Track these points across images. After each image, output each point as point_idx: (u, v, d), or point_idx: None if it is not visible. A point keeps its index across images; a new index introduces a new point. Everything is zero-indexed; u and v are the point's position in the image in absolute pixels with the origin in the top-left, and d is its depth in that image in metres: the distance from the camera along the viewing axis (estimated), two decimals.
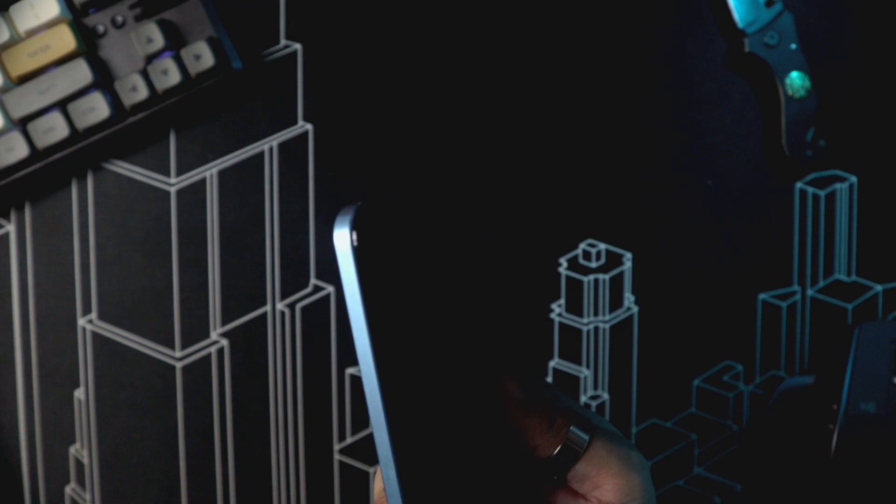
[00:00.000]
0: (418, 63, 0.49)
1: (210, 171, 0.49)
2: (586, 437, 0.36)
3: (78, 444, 0.50)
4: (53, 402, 0.49)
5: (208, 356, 0.49)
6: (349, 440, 0.50)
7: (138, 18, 0.47)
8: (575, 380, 0.51)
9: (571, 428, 0.35)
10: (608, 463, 0.35)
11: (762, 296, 0.51)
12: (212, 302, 0.49)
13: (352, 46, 0.49)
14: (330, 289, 0.50)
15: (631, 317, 0.51)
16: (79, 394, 0.49)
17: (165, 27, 0.46)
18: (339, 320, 0.50)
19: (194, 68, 0.46)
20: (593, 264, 0.50)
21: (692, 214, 0.51)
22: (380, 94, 0.49)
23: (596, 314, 0.50)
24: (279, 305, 0.50)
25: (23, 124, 0.46)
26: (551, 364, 0.50)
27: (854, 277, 0.51)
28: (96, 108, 0.46)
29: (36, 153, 0.46)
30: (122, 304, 0.49)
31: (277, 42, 0.49)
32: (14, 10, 0.46)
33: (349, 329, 0.50)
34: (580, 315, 0.50)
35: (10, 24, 0.46)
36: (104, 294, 0.49)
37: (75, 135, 0.46)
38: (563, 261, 0.50)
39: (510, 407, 0.35)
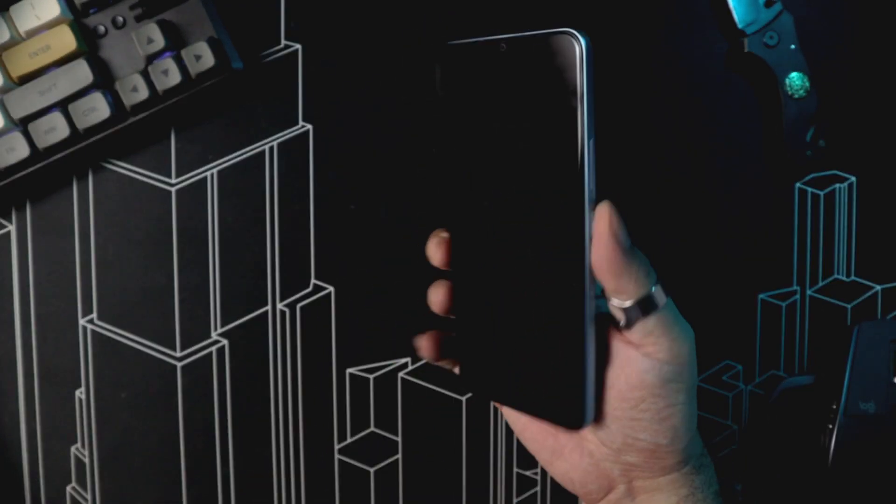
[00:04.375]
0: (418, 63, 0.49)
1: (210, 171, 0.49)
2: (666, 298, 0.38)
3: (79, 444, 0.50)
4: (54, 402, 0.49)
5: (208, 356, 0.50)
6: (349, 440, 0.50)
7: (139, 19, 0.47)
8: None
9: (657, 285, 0.38)
10: (672, 327, 0.38)
11: (762, 295, 0.51)
12: (212, 302, 0.49)
13: (352, 46, 0.49)
14: (330, 289, 0.50)
15: None
16: (79, 393, 0.49)
17: (166, 27, 0.46)
18: (338, 320, 0.50)
19: (195, 68, 0.46)
20: None
21: (692, 214, 0.51)
22: (379, 95, 0.49)
23: None
24: (279, 305, 0.50)
25: (23, 124, 0.46)
26: None
27: (853, 277, 0.51)
28: (97, 109, 0.46)
29: (37, 153, 0.46)
30: (122, 304, 0.49)
31: (278, 42, 0.49)
32: (14, 10, 0.46)
33: (349, 329, 0.51)
34: None
35: (11, 25, 0.46)
36: (104, 294, 0.49)
37: (76, 135, 0.46)
38: None
39: (611, 245, 0.36)
